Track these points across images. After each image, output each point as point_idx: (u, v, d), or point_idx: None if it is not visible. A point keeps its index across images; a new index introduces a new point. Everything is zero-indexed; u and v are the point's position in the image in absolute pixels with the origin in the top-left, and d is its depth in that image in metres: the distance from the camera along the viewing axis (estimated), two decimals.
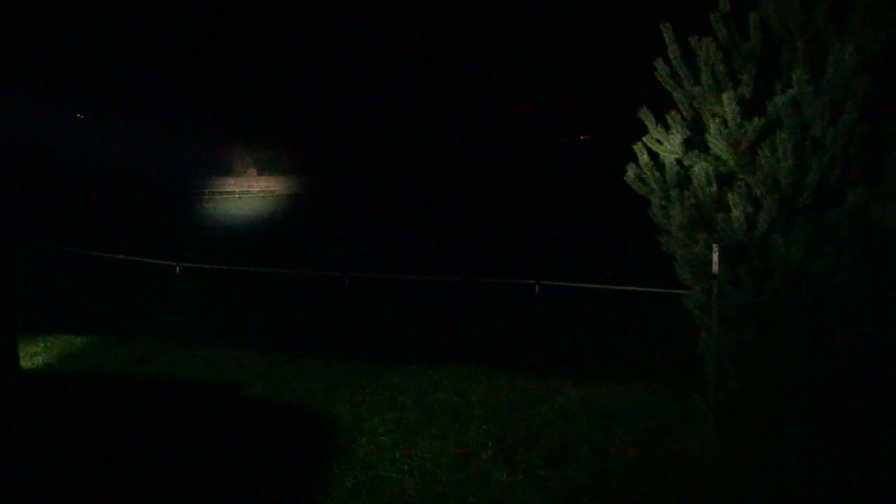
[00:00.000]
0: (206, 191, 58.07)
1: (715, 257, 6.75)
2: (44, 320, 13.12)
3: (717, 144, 6.92)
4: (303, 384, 9.12)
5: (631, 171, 7.57)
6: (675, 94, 7.35)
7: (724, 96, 6.72)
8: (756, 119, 6.62)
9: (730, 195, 6.75)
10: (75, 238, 25.34)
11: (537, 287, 17.11)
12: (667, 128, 7.28)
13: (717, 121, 6.87)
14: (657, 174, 7.37)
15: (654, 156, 7.47)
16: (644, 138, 7.54)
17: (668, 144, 7.31)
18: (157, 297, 16.74)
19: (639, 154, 7.52)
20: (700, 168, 6.95)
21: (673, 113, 7.23)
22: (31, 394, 8.02)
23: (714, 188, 6.88)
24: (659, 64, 7.31)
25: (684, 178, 7.17)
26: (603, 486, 6.14)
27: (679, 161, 7.23)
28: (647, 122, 7.50)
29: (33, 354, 10.54)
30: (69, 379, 9.35)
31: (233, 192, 61.88)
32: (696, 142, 7.25)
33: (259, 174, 55.48)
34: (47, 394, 8.61)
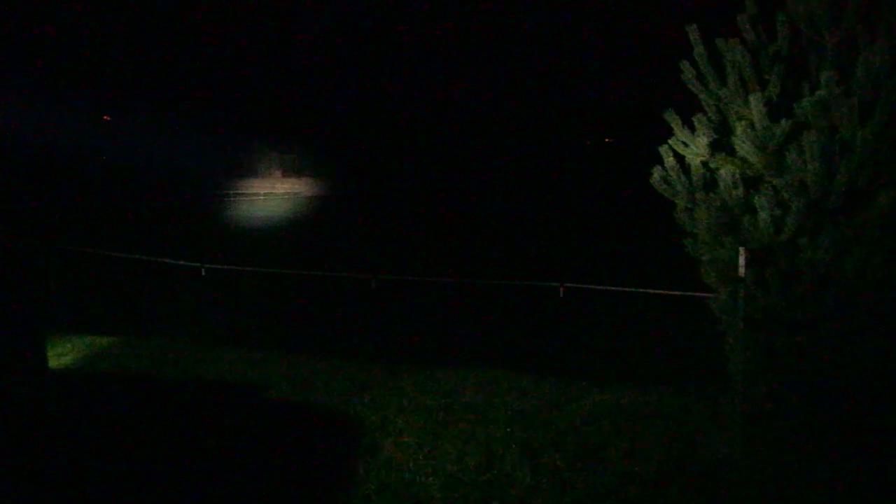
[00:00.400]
0: (232, 192, 58.29)
1: (741, 260, 6.71)
2: (72, 321, 13.29)
3: (744, 147, 6.87)
4: (326, 385, 9.17)
5: (656, 174, 7.53)
6: (701, 97, 7.30)
7: (751, 98, 6.66)
8: (783, 121, 6.56)
9: (756, 198, 6.69)
10: (102, 240, 25.59)
11: (562, 290, 17.06)
12: (693, 130, 7.24)
13: (743, 123, 6.83)
14: (683, 177, 7.33)
15: (679, 158, 7.44)
16: (670, 140, 7.50)
17: (694, 147, 7.26)
18: (183, 299, 16.88)
19: (664, 156, 7.49)
20: (726, 171, 6.90)
21: (699, 115, 7.17)
22: (59, 393, 8.13)
23: (741, 191, 6.84)
24: (685, 66, 7.27)
25: (710, 180, 7.12)
26: (627, 490, 6.13)
27: (705, 164, 7.19)
28: (672, 125, 7.46)
29: (61, 354, 10.68)
30: (97, 378, 9.48)
31: (258, 194, 62.28)
32: (722, 144, 7.20)
33: (284, 176, 55.44)
34: (74, 393, 8.73)
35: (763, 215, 6.63)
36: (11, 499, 5.66)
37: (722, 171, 6.95)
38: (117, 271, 20.50)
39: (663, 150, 7.47)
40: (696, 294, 8.18)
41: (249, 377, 9.56)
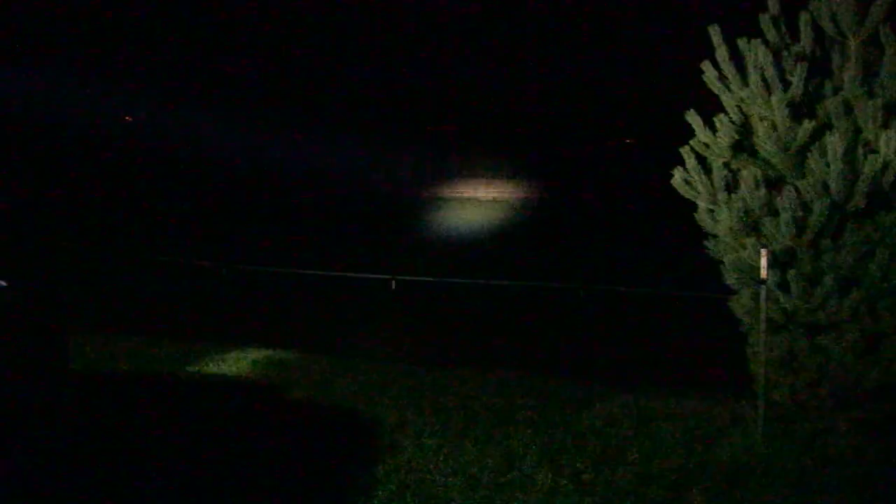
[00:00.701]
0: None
1: (763, 262, 6.73)
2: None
3: (766, 148, 6.92)
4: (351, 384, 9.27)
5: (678, 175, 7.58)
6: (722, 97, 7.33)
7: (774, 99, 6.70)
8: (806, 122, 6.61)
9: (778, 199, 6.73)
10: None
11: (582, 291, 17.13)
12: (714, 131, 7.26)
13: (765, 124, 6.88)
14: (704, 178, 7.36)
15: (701, 159, 7.47)
16: (691, 141, 7.54)
17: (716, 148, 7.30)
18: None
19: (686, 158, 7.53)
20: (748, 172, 6.94)
21: (720, 116, 7.20)
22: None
23: (762, 192, 6.85)
24: (706, 66, 7.30)
25: (732, 182, 7.14)
26: (648, 491, 6.14)
27: (727, 165, 7.22)
28: (694, 125, 7.49)
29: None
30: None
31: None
32: (744, 145, 7.24)
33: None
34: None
35: (785, 217, 6.65)
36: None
37: (744, 173, 7.00)
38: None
39: (685, 151, 7.51)
40: (717, 296, 8.19)
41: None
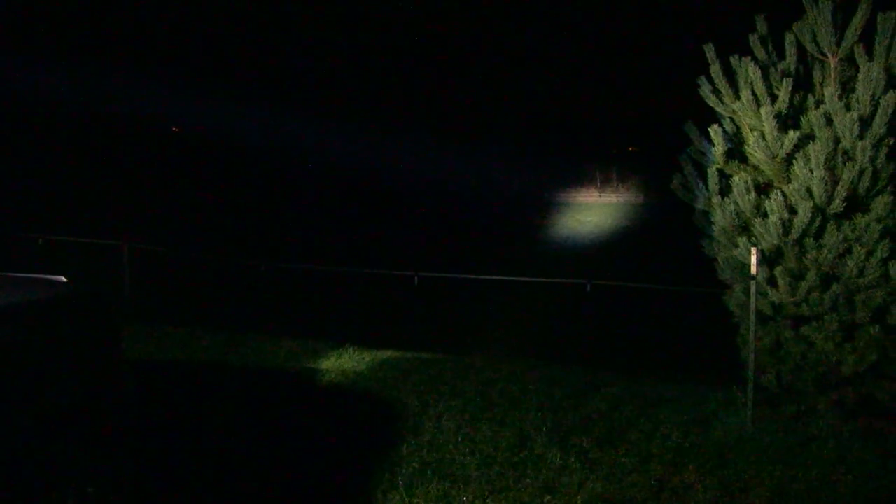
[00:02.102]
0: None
1: (753, 259, 7.29)
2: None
3: (756, 155, 7.47)
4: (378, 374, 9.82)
5: (676, 180, 8.20)
6: (716, 109, 7.91)
7: (762, 111, 7.25)
8: (791, 132, 7.16)
9: (767, 202, 7.31)
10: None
11: (588, 286, 17.65)
12: (709, 140, 7.83)
13: (755, 134, 7.42)
14: (700, 183, 7.96)
15: (697, 165, 8.07)
16: (689, 149, 8.16)
17: (711, 155, 7.86)
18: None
19: (683, 164, 8.15)
20: (740, 177, 7.47)
21: (715, 126, 7.73)
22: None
23: (752, 196, 7.42)
24: (702, 81, 7.88)
25: (725, 186, 7.71)
26: (649, 468, 6.67)
27: (720, 171, 7.78)
28: (691, 135, 8.10)
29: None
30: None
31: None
32: (736, 153, 7.81)
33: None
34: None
35: (773, 218, 7.21)
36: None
37: (736, 178, 7.50)
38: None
39: (682, 158, 8.12)
40: (712, 290, 8.71)
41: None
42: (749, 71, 7.38)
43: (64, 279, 7.35)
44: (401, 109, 45.39)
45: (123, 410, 6.91)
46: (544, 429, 7.56)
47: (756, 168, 7.60)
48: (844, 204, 7.00)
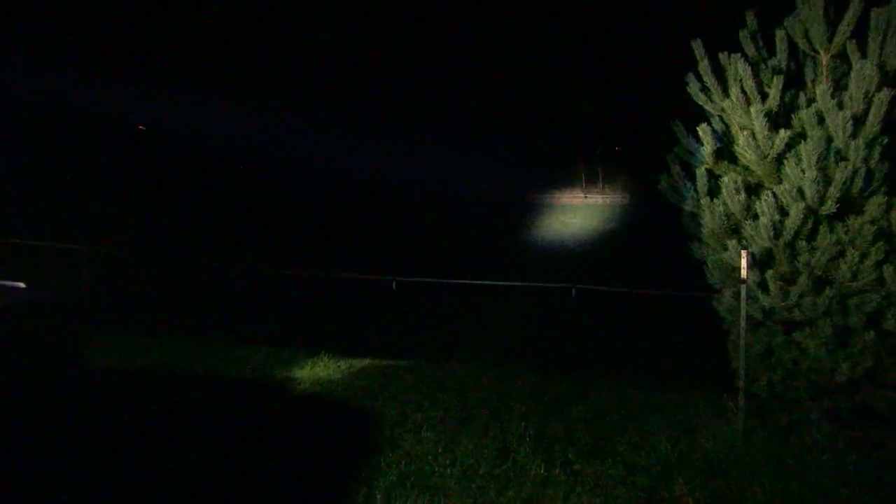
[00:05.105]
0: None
1: (743, 263, 7.10)
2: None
3: (746, 155, 7.27)
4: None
5: (664, 181, 7.96)
6: (705, 108, 7.70)
7: (752, 110, 7.05)
8: (782, 131, 6.96)
9: (757, 204, 7.09)
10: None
11: (574, 291, 17.45)
12: (698, 139, 7.61)
13: (745, 133, 7.22)
14: (689, 184, 7.73)
15: (685, 166, 7.84)
16: (676, 149, 7.92)
17: (699, 155, 7.65)
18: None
19: (671, 164, 7.91)
20: (729, 178, 7.28)
21: (703, 125, 7.54)
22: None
23: (742, 197, 7.22)
24: (690, 79, 7.67)
25: (714, 187, 7.50)
26: (636, 480, 6.46)
27: (709, 171, 7.57)
28: (679, 134, 7.87)
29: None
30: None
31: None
32: (725, 153, 7.60)
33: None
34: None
35: (763, 220, 7.00)
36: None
37: (725, 179, 7.32)
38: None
39: (670, 158, 7.88)
40: (701, 294, 8.50)
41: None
42: (739, 68, 7.17)
43: (23, 285, 7.21)
44: (381, 111, 45.54)
45: (82, 419, 6.81)
46: (527, 439, 7.35)
47: (746, 168, 7.41)
48: (837, 205, 6.81)
